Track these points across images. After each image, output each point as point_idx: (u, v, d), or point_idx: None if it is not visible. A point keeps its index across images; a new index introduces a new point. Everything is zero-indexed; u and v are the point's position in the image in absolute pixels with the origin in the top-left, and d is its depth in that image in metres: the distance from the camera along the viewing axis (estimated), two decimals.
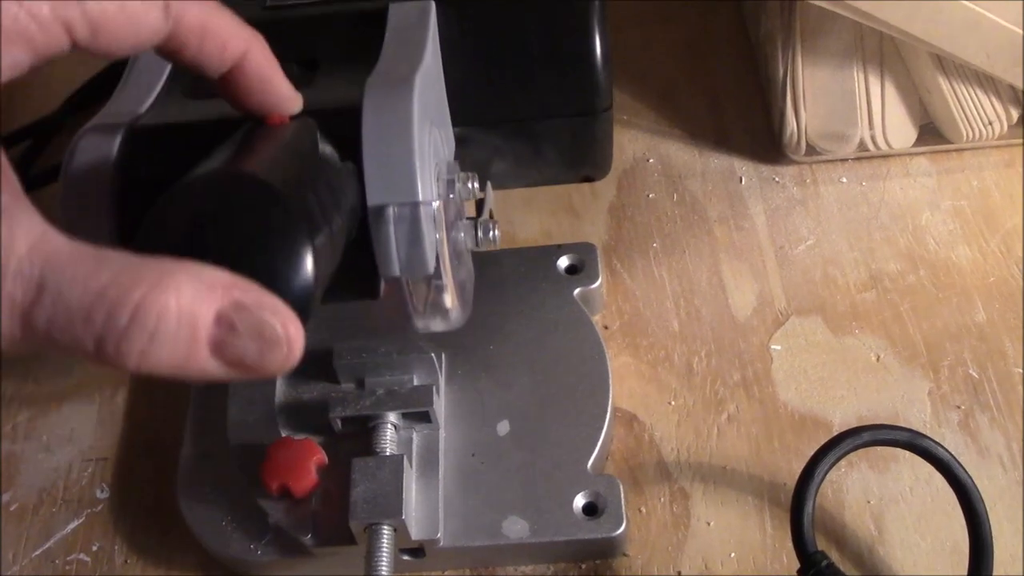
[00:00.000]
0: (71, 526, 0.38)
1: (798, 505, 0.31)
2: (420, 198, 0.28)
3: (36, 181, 0.49)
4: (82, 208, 0.29)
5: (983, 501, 0.32)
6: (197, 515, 0.36)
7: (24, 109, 0.53)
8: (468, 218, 0.31)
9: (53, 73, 0.54)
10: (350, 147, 0.28)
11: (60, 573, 0.37)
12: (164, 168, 0.27)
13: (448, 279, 0.29)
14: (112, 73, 0.53)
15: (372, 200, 0.28)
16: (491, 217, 0.33)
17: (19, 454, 0.40)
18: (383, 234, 0.28)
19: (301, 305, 0.22)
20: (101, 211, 0.29)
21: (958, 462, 0.32)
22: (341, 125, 0.28)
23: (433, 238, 0.28)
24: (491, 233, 0.32)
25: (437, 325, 0.31)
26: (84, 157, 0.30)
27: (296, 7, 0.37)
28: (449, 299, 0.30)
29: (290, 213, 0.22)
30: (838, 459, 0.32)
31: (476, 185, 0.31)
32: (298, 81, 0.30)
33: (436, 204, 0.28)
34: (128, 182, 0.29)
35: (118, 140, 0.30)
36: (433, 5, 0.34)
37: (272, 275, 0.22)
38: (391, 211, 0.28)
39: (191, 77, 0.32)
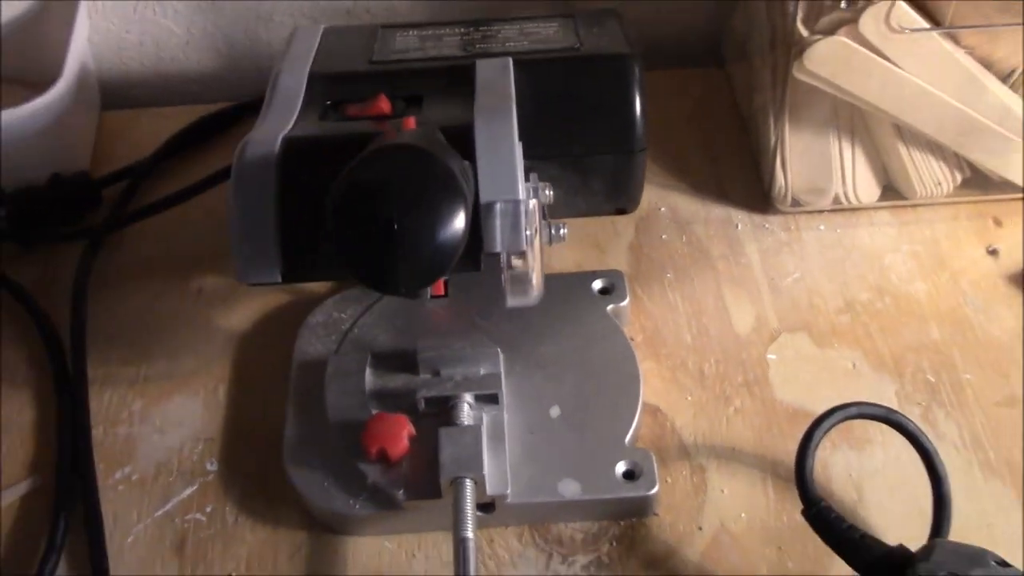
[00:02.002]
0: (187, 492, 0.45)
1: (801, 461, 0.40)
2: (520, 197, 0.36)
3: (131, 217, 0.57)
4: (252, 195, 0.38)
5: (944, 464, 0.41)
6: (303, 478, 0.43)
7: (122, 155, 0.61)
8: (543, 220, 0.40)
9: (147, 126, 0.63)
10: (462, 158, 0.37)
11: (179, 530, 0.44)
12: (316, 168, 0.36)
13: (536, 262, 0.38)
14: (195, 127, 0.61)
15: (484, 197, 0.36)
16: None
17: (136, 436, 0.47)
18: (491, 222, 0.36)
19: (452, 250, 0.31)
20: (268, 198, 0.37)
21: (923, 433, 0.41)
22: (455, 139, 0.37)
23: (526, 226, 0.37)
24: (561, 231, 0.40)
25: (521, 300, 0.39)
26: (252, 158, 0.38)
27: (395, 62, 0.46)
28: (535, 277, 0.38)
29: (453, 178, 0.31)
30: (832, 426, 0.40)
31: (550, 193, 0.40)
32: (409, 110, 0.39)
33: (532, 202, 0.37)
34: (288, 178, 0.38)
35: (278, 145, 0.38)
36: (511, 61, 0.44)
37: (435, 222, 0.30)
38: (498, 206, 0.36)
39: (322, 105, 0.41)
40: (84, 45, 0.60)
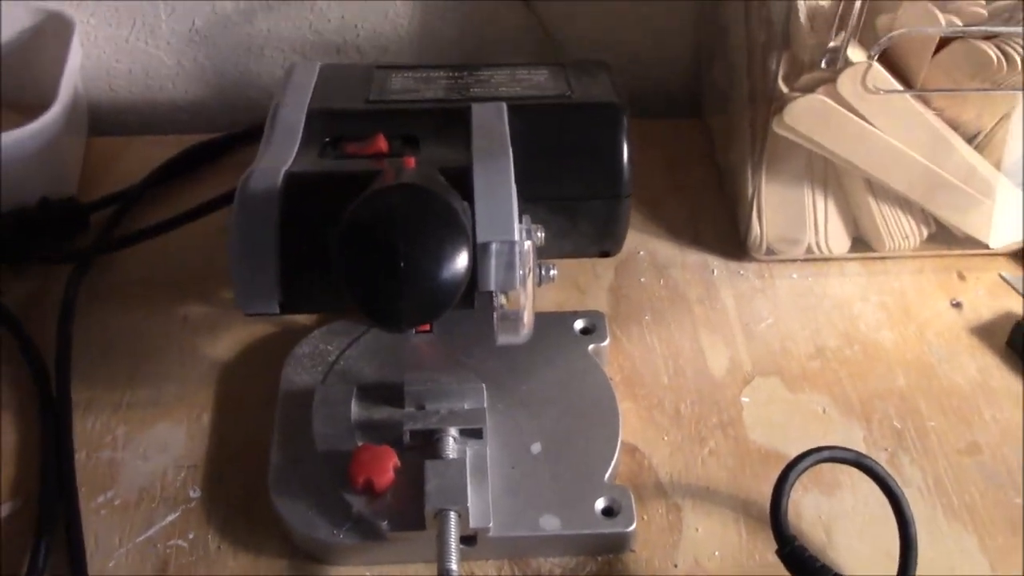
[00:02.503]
0: (169, 518, 0.45)
1: (776, 500, 0.41)
2: (516, 238, 0.38)
3: (119, 243, 0.57)
4: (254, 227, 0.39)
5: (910, 507, 0.43)
6: (287, 506, 0.44)
7: (112, 180, 0.61)
8: (535, 261, 0.41)
9: (136, 153, 0.64)
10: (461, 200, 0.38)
11: (161, 555, 0.44)
12: (317, 203, 0.37)
13: (527, 301, 0.39)
14: (184, 157, 0.62)
15: (481, 237, 0.38)
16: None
17: (119, 461, 0.47)
18: (487, 261, 0.38)
19: (455, 287, 0.32)
20: (270, 231, 0.38)
21: (892, 477, 0.43)
22: (454, 180, 0.39)
23: (520, 266, 0.38)
24: (551, 272, 0.42)
25: (511, 338, 0.40)
26: (255, 191, 0.39)
27: (391, 102, 0.48)
28: (526, 316, 0.39)
29: (457, 217, 0.32)
30: (805, 468, 0.42)
31: (542, 235, 0.41)
32: (406, 150, 0.41)
33: (527, 244, 0.38)
34: (290, 212, 0.39)
35: (280, 180, 0.39)
36: (505, 106, 0.45)
37: (441, 262, 0.32)
38: (494, 246, 0.38)
39: (320, 142, 0.43)
40: (76, 73, 0.61)
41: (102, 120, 0.67)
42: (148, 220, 0.58)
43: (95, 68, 0.66)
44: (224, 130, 0.64)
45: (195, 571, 0.43)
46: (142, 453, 0.48)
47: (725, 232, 0.59)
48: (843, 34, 0.48)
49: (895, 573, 0.41)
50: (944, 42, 0.49)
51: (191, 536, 0.45)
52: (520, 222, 0.40)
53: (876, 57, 0.48)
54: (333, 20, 0.65)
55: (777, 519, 0.41)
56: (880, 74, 0.49)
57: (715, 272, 0.57)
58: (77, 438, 0.48)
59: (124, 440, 0.48)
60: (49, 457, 0.47)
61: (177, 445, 0.48)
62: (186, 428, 0.49)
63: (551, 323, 0.51)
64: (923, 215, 0.55)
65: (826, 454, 0.43)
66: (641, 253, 0.58)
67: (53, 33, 0.61)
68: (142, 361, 0.52)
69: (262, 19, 0.65)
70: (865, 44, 0.49)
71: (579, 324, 0.52)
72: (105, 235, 0.57)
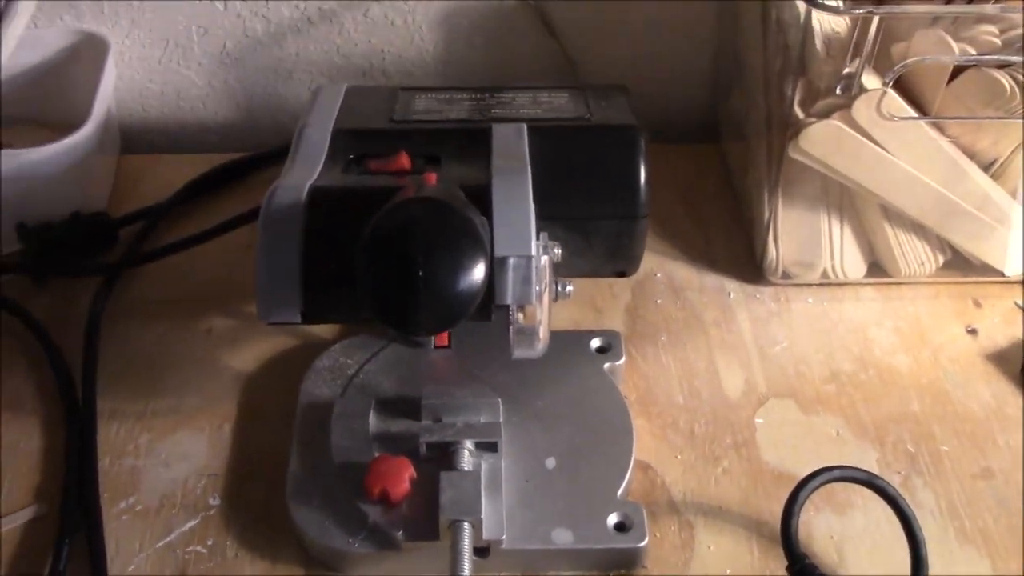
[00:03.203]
0: (188, 525, 0.46)
1: (787, 519, 0.41)
2: (533, 253, 0.39)
3: (146, 257, 0.58)
4: (279, 238, 0.40)
5: (921, 529, 0.43)
6: (304, 515, 0.44)
7: (138, 198, 0.63)
8: (552, 277, 0.42)
9: (165, 171, 0.66)
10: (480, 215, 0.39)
11: (180, 561, 0.45)
12: (340, 216, 0.38)
13: (543, 316, 0.40)
14: (212, 175, 0.64)
15: (499, 252, 0.39)
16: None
17: (142, 468, 0.48)
18: (504, 275, 0.38)
19: (471, 298, 0.33)
20: (293, 242, 0.40)
21: (903, 498, 0.43)
22: (473, 197, 0.40)
23: (537, 281, 0.39)
24: (567, 288, 0.43)
25: (526, 352, 0.41)
26: (280, 203, 0.40)
27: (415, 122, 0.49)
28: (542, 331, 0.40)
29: (475, 229, 0.33)
30: (817, 487, 0.42)
31: (559, 252, 0.42)
32: (428, 167, 0.42)
33: (544, 259, 0.39)
34: (313, 224, 0.40)
35: (305, 193, 0.41)
36: (525, 127, 0.46)
37: (458, 272, 0.32)
38: (511, 260, 0.39)
39: (344, 160, 0.44)
40: (110, 93, 0.63)
41: (133, 139, 0.69)
42: (175, 236, 0.59)
43: (128, 88, 0.68)
44: (251, 151, 0.66)
45: None
46: (164, 461, 0.49)
47: (742, 256, 0.60)
48: (858, 61, 0.48)
49: None
50: (958, 70, 0.49)
51: (210, 543, 0.45)
52: (537, 238, 0.41)
53: (891, 84, 0.49)
54: (360, 44, 0.67)
55: (788, 536, 0.41)
56: (895, 101, 0.50)
57: (731, 295, 0.58)
58: (101, 445, 0.49)
59: (147, 448, 0.49)
60: (73, 463, 0.48)
61: (198, 454, 0.49)
62: (208, 437, 0.50)
63: (567, 341, 0.52)
64: (939, 242, 0.56)
65: (838, 473, 0.43)
66: (658, 275, 0.59)
67: (88, 54, 0.63)
68: (166, 372, 0.53)
69: (291, 43, 0.67)
70: (880, 71, 0.49)
71: (595, 343, 0.52)
72: (133, 249, 0.59)
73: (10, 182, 0.56)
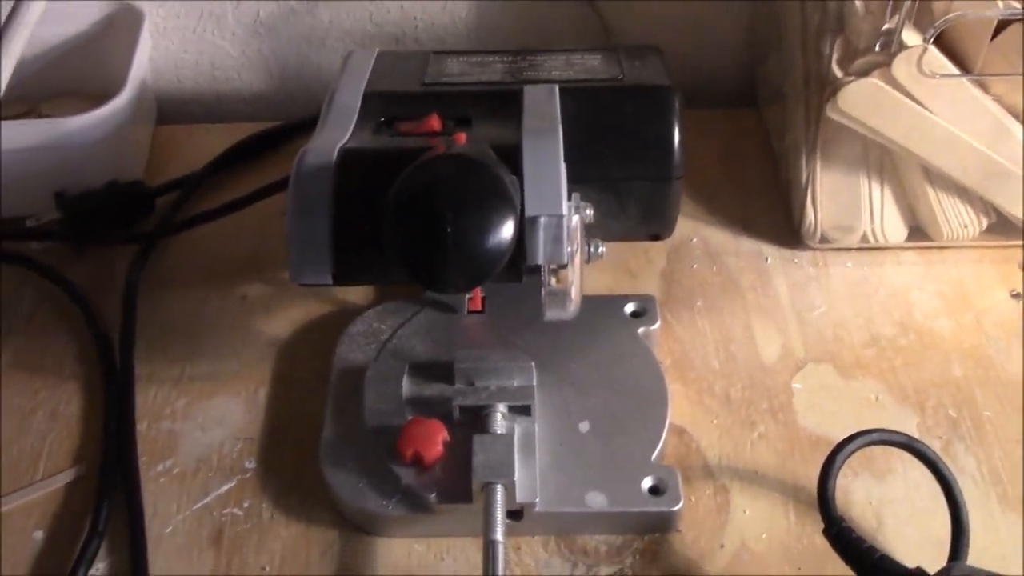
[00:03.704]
0: (225, 487, 0.46)
1: (824, 481, 0.41)
2: (564, 212, 0.38)
3: (182, 225, 0.59)
4: (309, 200, 0.40)
5: (962, 493, 0.42)
6: (338, 478, 0.45)
7: (174, 167, 0.63)
8: (584, 237, 0.42)
9: (200, 140, 0.66)
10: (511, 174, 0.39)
11: (217, 522, 0.45)
12: (370, 177, 0.38)
13: (575, 277, 0.39)
14: (246, 144, 0.64)
15: (530, 211, 0.38)
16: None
17: (178, 432, 0.49)
18: (535, 235, 0.38)
19: (500, 255, 0.33)
20: (324, 204, 0.40)
21: (943, 461, 0.42)
22: (504, 157, 0.39)
23: (568, 241, 0.38)
24: (599, 249, 0.42)
25: (558, 314, 0.41)
26: (310, 165, 0.40)
27: (446, 85, 0.48)
28: (574, 292, 0.40)
29: (504, 186, 0.33)
30: (855, 450, 0.42)
31: (591, 212, 0.42)
32: (459, 129, 0.41)
33: (575, 219, 0.39)
34: (344, 185, 0.40)
35: (335, 155, 0.41)
36: (557, 88, 0.46)
37: (486, 228, 0.32)
38: (542, 220, 0.38)
39: (375, 122, 0.43)
40: (145, 63, 0.63)
41: (169, 109, 0.70)
42: (210, 204, 0.60)
43: (163, 59, 0.69)
44: (285, 120, 0.66)
45: (249, 538, 0.45)
46: (200, 425, 0.49)
47: (779, 221, 0.59)
48: (898, 17, 0.47)
49: (946, 558, 0.41)
50: (1003, 25, 0.48)
51: (246, 505, 0.46)
52: (569, 199, 0.40)
53: (932, 40, 0.48)
54: (392, 11, 0.66)
55: (824, 499, 0.41)
56: (936, 58, 0.49)
57: (768, 260, 0.57)
58: (139, 409, 0.50)
59: (183, 412, 0.50)
60: (112, 427, 0.48)
61: (234, 418, 0.49)
62: (243, 402, 0.50)
63: (602, 306, 0.51)
64: (982, 204, 0.55)
65: (876, 436, 0.42)
66: (694, 240, 0.58)
67: (124, 25, 0.64)
68: (202, 338, 0.53)
69: (324, 11, 0.66)
70: (921, 27, 0.48)
71: (630, 307, 0.52)
72: (169, 218, 0.59)
73: (48, 151, 0.56)
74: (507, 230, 0.34)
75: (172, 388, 0.51)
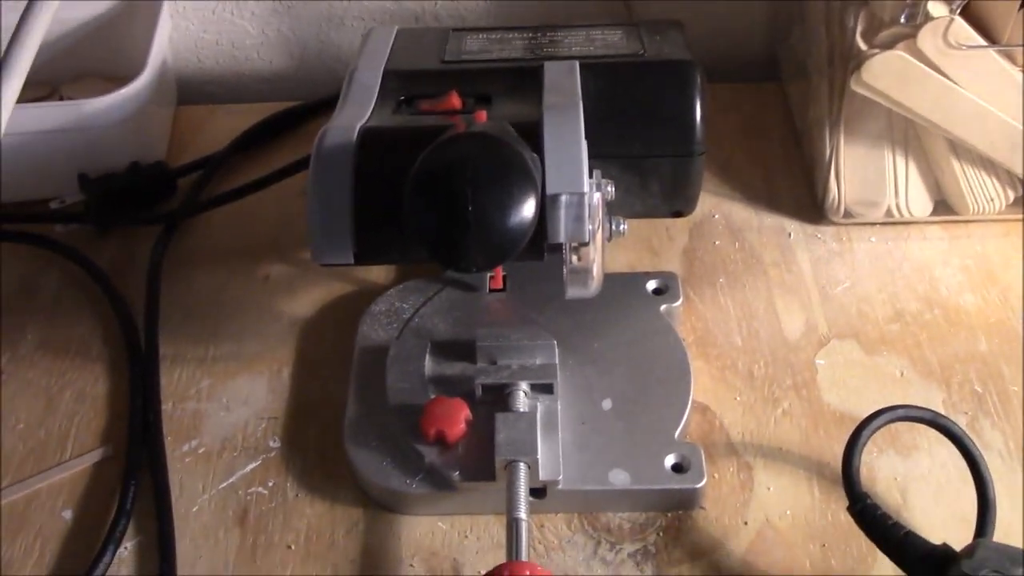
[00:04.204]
0: (250, 467, 0.47)
1: (848, 457, 0.41)
2: (585, 190, 0.38)
3: (205, 205, 0.59)
4: (330, 180, 0.40)
5: (988, 468, 0.42)
6: (362, 457, 0.45)
7: (195, 148, 0.64)
8: (605, 215, 0.42)
9: (221, 121, 0.66)
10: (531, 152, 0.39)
11: (242, 502, 0.46)
12: (391, 157, 0.38)
13: (597, 254, 0.39)
14: (267, 124, 0.64)
15: (551, 189, 0.38)
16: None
17: (203, 412, 0.49)
18: (556, 213, 0.38)
19: (522, 234, 0.32)
20: (345, 183, 0.40)
21: (969, 437, 0.42)
22: (524, 134, 0.39)
23: (589, 218, 0.38)
24: (621, 227, 0.42)
25: (580, 292, 0.41)
26: (331, 145, 0.40)
27: (466, 62, 0.48)
28: (595, 269, 0.40)
29: (525, 163, 0.33)
30: (880, 426, 0.41)
31: (612, 189, 0.42)
32: (479, 107, 0.41)
33: (596, 196, 0.38)
34: (364, 165, 0.40)
35: (356, 134, 0.40)
36: (577, 64, 0.46)
37: (508, 207, 0.32)
38: (564, 198, 0.38)
39: (395, 101, 0.43)
40: (165, 44, 0.63)
41: (190, 89, 0.70)
42: (231, 184, 0.60)
43: (183, 39, 0.69)
44: (305, 99, 0.66)
45: (274, 517, 0.45)
46: (225, 405, 0.50)
47: (802, 196, 0.58)
48: None
49: (972, 535, 0.41)
50: None
51: (271, 484, 0.46)
52: (590, 176, 0.40)
53: (958, 11, 0.47)
54: None
55: (849, 475, 0.40)
56: (963, 29, 0.48)
57: (791, 236, 0.56)
58: (164, 390, 0.50)
59: (208, 392, 0.50)
60: (137, 407, 0.49)
61: (258, 398, 0.50)
62: (267, 382, 0.50)
63: (623, 283, 0.51)
64: (1009, 177, 0.54)
65: (901, 412, 0.42)
66: (716, 216, 0.58)
67: (143, 6, 0.64)
68: (225, 318, 0.54)
69: None
70: None
71: (652, 284, 0.52)
72: (191, 199, 0.59)
73: (69, 133, 0.57)
74: (529, 209, 0.34)
75: (196, 368, 0.51)
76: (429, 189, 0.34)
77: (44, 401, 0.50)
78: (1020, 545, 0.38)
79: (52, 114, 0.57)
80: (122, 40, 0.64)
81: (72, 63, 0.65)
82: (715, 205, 0.58)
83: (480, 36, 0.52)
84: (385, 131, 0.42)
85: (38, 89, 0.64)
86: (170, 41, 0.67)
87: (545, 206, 0.38)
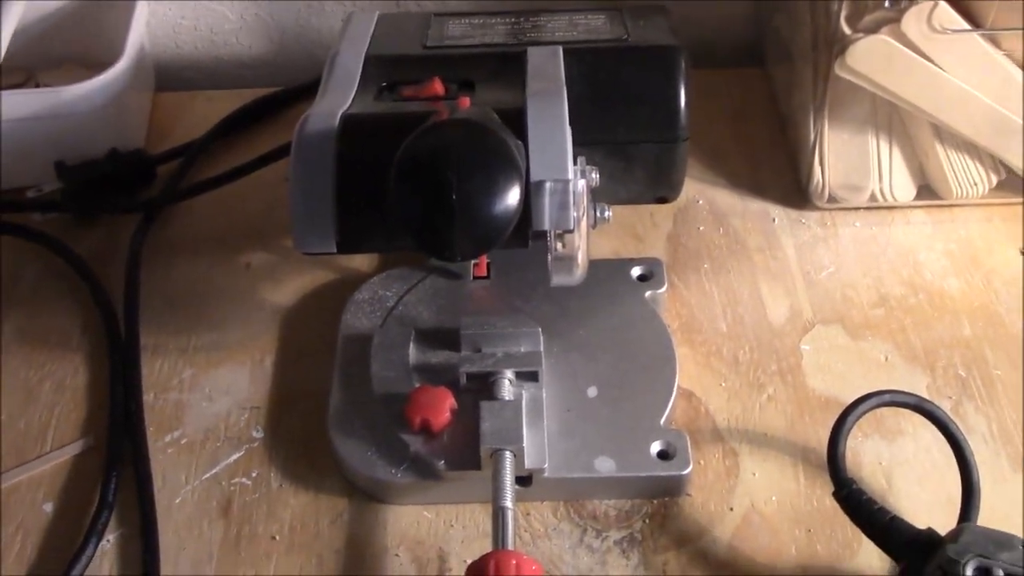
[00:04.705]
0: (233, 457, 0.46)
1: (834, 443, 0.41)
2: (569, 176, 0.38)
3: (185, 193, 0.58)
4: (312, 167, 0.39)
5: (972, 453, 0.42)
6: (346, 446, 0.44)
7: (175, 135, 0.63)
8: (590, 202, 0.41)
9: (201, 107, 0.65)
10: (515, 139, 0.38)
11: (226, 492, 0.45)
12: (373, 144, 0.37)
13: (581, 241, 0.39)
14: (247, 110, 0.63)
15: (535, 176, 0.38)
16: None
17: (185, 402, 0.49)
18: (540, 200, 0.38)
19: (506, 221, 0.32)
20: (327, 171, 0.39)
21: (954, 422, 0.42)
22: (508, 120, 0.39)
23: (574, 205, 0.38)
24: (605, 213, 0.42)
25: (565, 279, 0.41)
26: (312, 132, 0.40)
27: (448, 48, 0.48)
28: (580, 257, 0.39)
29: (509, 150, 0.32)
30: (865, 412, 0.41)
31: (597, 176, 0.41)
32: (462, 93, 0.41)
33: (581, 183, 0.38)
34: (346, 152, 0.39)
35: (337, 121, 0.40)
36: (561, 49, 0.45)
37: (492, 195, 0.32)
38: (548, 185, 0.38)
39: (377, 87, 0.43)
40: (143, 29, 0.62)
41: (169, 76, 0.69)
42: (212, 172, 0.59)
43: (161, 25, 0.68)
44: (286, 84, 0.65)
45: (258, 508, 0.45)
46: (207, 395, 0.49)
47: (787, 181, 0.58)
48: None
49: (956, 520, 0.41)
50: None
51: (254, 474, 0.46)
52: (575, 162, 0.40)
53: None
54: None
55: (835, 461, 0.40)
56: (947, 13, 0.48)
57: (776, 221, 0.56)
58: (145, 380, 0.49)
59: (190, 382, 0.50)
60: (118, 398, 0.48)
61: (241, 387, 0.49)
62: (249, 371, 0.50)
63: (608, 269, 0.51)
64: (992, 161, 0.54)
65: (887, 397, 0.42)
66: (700, 202, 0.57)
67: None
68: (207, 307, 0.53)
69: None
70: None
71: (636, 271, 0.51)
72: (171, 186, 0.59)
73: (46, 121, 0.56)
74: (513, 196, 0.34)
75: (178, 358, 0.51)
76: (413, 177, 0.34)
77: (23, 393, 0.49)
78: (1005, 528, 0.38)
79: (29, 101, 0.56)
80: (99, 26, 0.64)
81: (49, 50, 0.64)
82: (700, 191, 0.58)
83: (462, 21, 0.51)
84: (367, 118, 0.41)
85: (14, 76, 0.63)
86: (148, 27, 0.66)
87: (529, 193, 0.38)
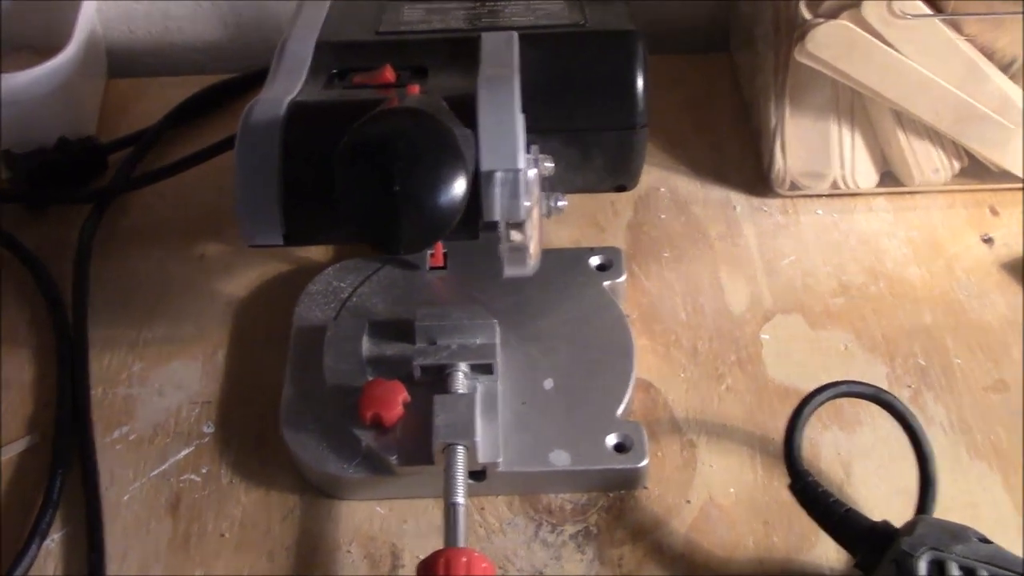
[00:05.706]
0: (183, 453, 0.46)
1: (790, 435, 0.40)
2: (520, 166, 0.37)
3: (137, 182, 0.57)
4: (257, 157, 0.38)
5: (930, 444, 0.41)
6: (298, 441, 0.44)
7: (127, 123, 0.61)
8: (542, 191, 0.41)
9: (154, 94, 0.64)
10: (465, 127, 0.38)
11: (175, 489, 0.44)
12: (320, 132, 0.36)
13: (534, 232, 0.38)
14: (201, 97, 0.62)
15: (485, 166, 0.37)
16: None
17: (135, 397, 0.48)
18: (491, 190, 0.37)
19: (452, 212, 0.31)
20: (273, 160, 0.38)
21: (911, 412, 0.42)
22: (458, 108, 0.38)
23: (525, 196, 0.37)
24: (559, 203, 0.41)
25: (518, 271, 0.40)
26: (258, 120, 0.39)
27: (402, 33, 0.47)
28: (532, 247, 0.39)
29: (454, 141, 0.32)
30: (821, 403, 0.41)
31: (551, 165, 0.40)
32: (414, 80, 0.40)
33: (532, 172, 0.37)
34: (293, 141, 0.38)
35: (284, 109, 0.39)
36: (516, 35, 0.44)
37: (435, 183, 0.31)
38: (498, 175, 0.37)
39: (327, 74, 0.42)
40: (92, 13, 0.61)
41: (121, 62, 0.67)
42: (165, 160, 0.58)
43: (113, 10, 0.66)
44: (242, 71, 0.64)
45: (208, 505, 0.44)
46: (158, 389, 0.48)
47: (749, 169, 0.58)
48: None
49: (914, 511, 0.41)
50: None
51: (204, 471, 0.45)
52: (528, 151, 0.39)
53: None
54: None
55: (791, 453, 0.40)
56: None
57: (737, 208, 0.56)
58: (94, 375, 0.48)
59: (140, 377, 0.49)
60: (66, 393, 0.47)
61: (192, 382, 0.48)
62: (201, 365, 0.49)
63: (566, 259, 0.50)
64: (955, 148, 0.54)
65: (844, 388, 0.42)
66: (662, 190, 0.57)
67: None
68: (159, 299, 0.52)
69: None
70: None
71: (595, 260, 0.51)
72: (123, 175, 0.57)
73: None
74: (459, 187, 0.33)
75: (128, 352, 0.50)
76: (355, 167, 0.33)
77: None
78: (963, 518, 0.38)
79: None
80: (50, 11, 0.62)
81: (7, 37, 0.62)
82: (661, 179, 0.57)
83: (418, 6, 0.50)
84: (314, 106, 0.40)
85: None
86: (99, 11, 0.64)
87: (479, 183, 0.37)
